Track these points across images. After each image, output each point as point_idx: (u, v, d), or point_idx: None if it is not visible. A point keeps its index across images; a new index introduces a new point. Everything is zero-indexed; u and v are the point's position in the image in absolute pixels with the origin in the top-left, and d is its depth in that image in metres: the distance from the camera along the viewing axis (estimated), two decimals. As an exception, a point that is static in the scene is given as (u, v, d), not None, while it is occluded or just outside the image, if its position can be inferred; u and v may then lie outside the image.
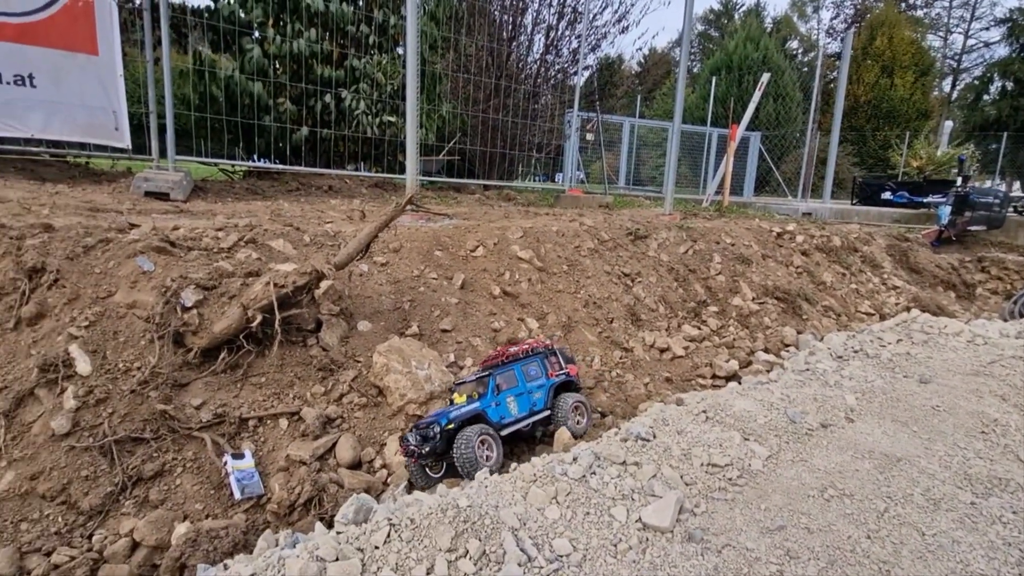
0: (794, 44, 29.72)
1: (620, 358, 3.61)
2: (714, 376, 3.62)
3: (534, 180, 13.01)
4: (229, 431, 2.40)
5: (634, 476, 1.79)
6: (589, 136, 11.12)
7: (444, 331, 3.21)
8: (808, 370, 3.18)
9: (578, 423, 2.71)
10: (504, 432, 2.51)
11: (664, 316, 4.25)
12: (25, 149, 5.43)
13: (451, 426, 2.33)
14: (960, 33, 30.45)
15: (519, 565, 1.35)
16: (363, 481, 2.32)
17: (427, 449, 2.27)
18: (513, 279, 3.88)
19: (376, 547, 1.35)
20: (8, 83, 5.08)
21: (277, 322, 2.51)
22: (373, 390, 2.74)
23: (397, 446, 2.45)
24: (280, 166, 7.07)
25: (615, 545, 1.49)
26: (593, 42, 10.70)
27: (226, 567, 1.62)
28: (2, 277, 2.55)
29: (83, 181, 5.76)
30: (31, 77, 5.16)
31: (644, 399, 3.17)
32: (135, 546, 2.01)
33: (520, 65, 9.92)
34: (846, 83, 10.46)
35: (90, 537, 2.00)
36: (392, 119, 8.34)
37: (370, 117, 7.99)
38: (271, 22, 7.35)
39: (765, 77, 10.53)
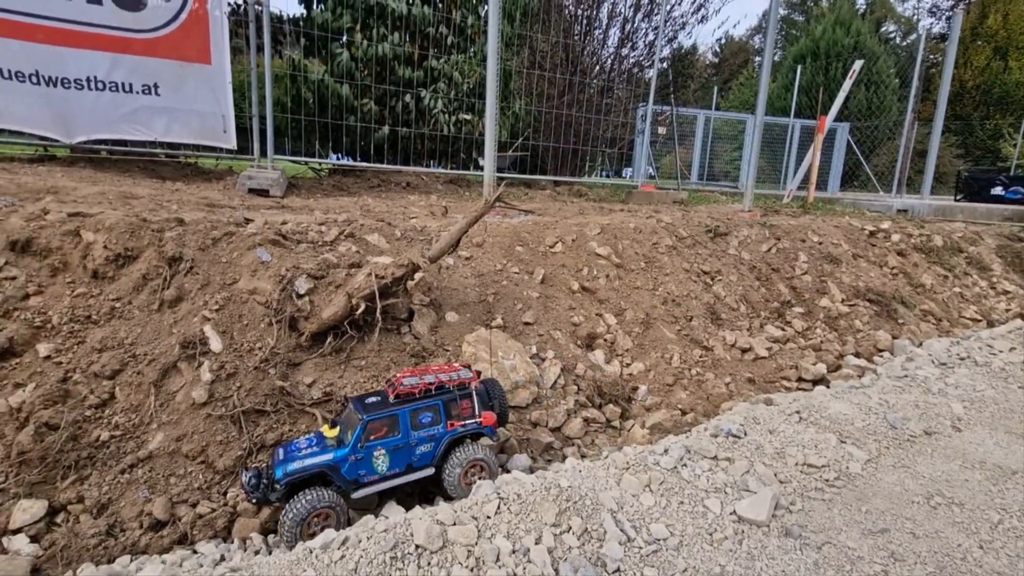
0: (891, 27, 27.41)
1: (700, 356, 3.58)
2: (800, 379, 3.51)
3: (601, 175, 12.89)
4: (336, 408, 2.64)
5: (726, 471, 1.81)
6: (661, 130, 10.89)
7: (526, 324, 3.32)
8: (907, 376, 3.02)
9: (468, 485, 2.09)
10: (360, 493, 2.05)
11: (745, 316, 4.15)
12: (147, 150, 6.08)
13: (285, 482, 1.94)
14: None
15: (620, 544, 1.43)
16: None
17: (256, 498, 1.96)
18: (591, 275, 3.94)
19: (488, 516, 1.48)
20: (138, 92, 5.69)
21: (378, 310, 2.72)
22: (462, 377, 2.90)
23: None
24: (364, 164, 7.47)
25: (710, 534, 1.53)
26: (670, 33, 10.43)
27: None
28: (148, 265, 2.92)
29: (195, 179, 6.36)
30: (156, 86, 5.76)
31: (726, 398, 3.14)
32: (261, 504, 2.26)
33: (594, 59, 9.86)
34: (952, 67, 9.55)
35: (225, 493, 2.28)
36: (468, 117, 8.58)
37: (447, 115, 8.26)
38: (358, 27, 7.76)
39: (858, 64, 9.84)
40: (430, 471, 2.16)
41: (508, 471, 2.47)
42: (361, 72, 7.66)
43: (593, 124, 9.34)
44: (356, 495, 2.04)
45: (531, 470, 2.45)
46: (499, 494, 1.54)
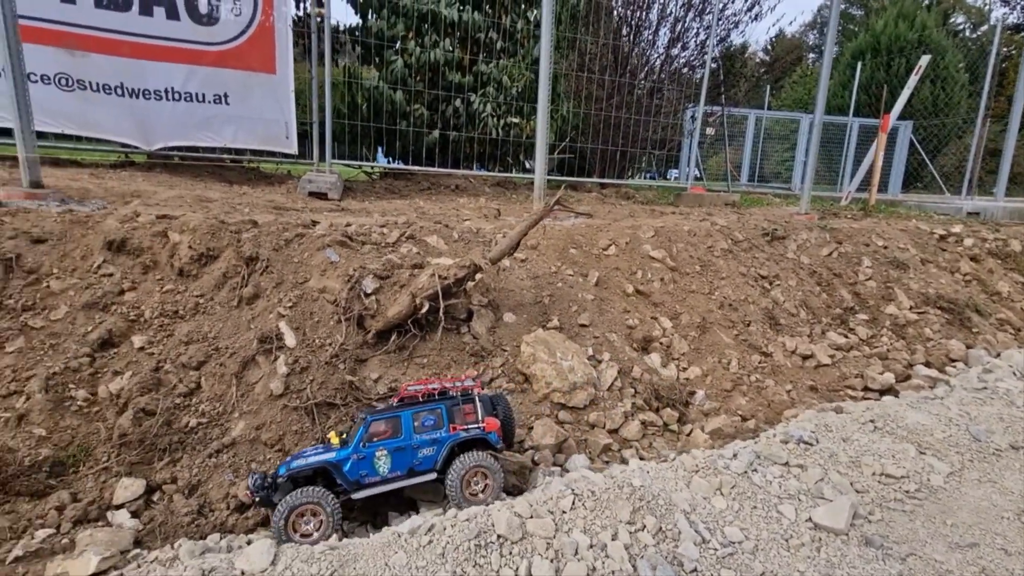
0: (959, 18, 25.82)
1: (759, 362, 3.51)
2: (866, 388, 3.38)
3: (644, 177, 12.72)
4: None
5: (798, 478, 1.79)
6: (710, 131, 10.67)
7: (582, 326, 3.35)
8: (986, 388, 2.87)
9: (472, 494, 2.07)
10: (361, 494, 2.06)
11: (806, 322, 4.03)
12: (214, 156, 6.44)
13: (287, 475, 1.99)
14: None
15: (695, 545, 1.44)
16: (516, 462, 2.53)
17: (259, 497, 1.99)
18: (645, 278, 3.92)
19: (564, 511, 1.52)
20: (209, 102, 6.04)
21: (441, 310, 2.81)
22: (520, 376, 2.96)
23: (543, 429, 2.62)
24: (416, 167, 7.67)
25: (786, 540, 1.52)
26: (722, 32, 10.21)
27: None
28: (227, 264, 3.11)
29: (259, 182, 6.69)
30: (226, 96, 6.10)
31: (788, 406, 3.07)
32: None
33: (643, 60, 9.76)
34: (1031, 61, 8.94)
35: (300, 481, 2.41)
36: (516, 120, 8.67)
37: (495, 119, 8.38)
38: (411, 35, 7.98)
39: (924, 59, 9.36)
40: (432, 476, 2.14)
41: (567, 471, 2.50)
42: (413, 78, 7.87)
43: (641, 126, 9.24)
44: (357, 495, 2.06)
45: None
46: (573, 490, 1.58)
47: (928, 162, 13.95)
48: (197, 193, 4.89)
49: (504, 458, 2.34)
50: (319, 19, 6.63)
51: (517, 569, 1.33)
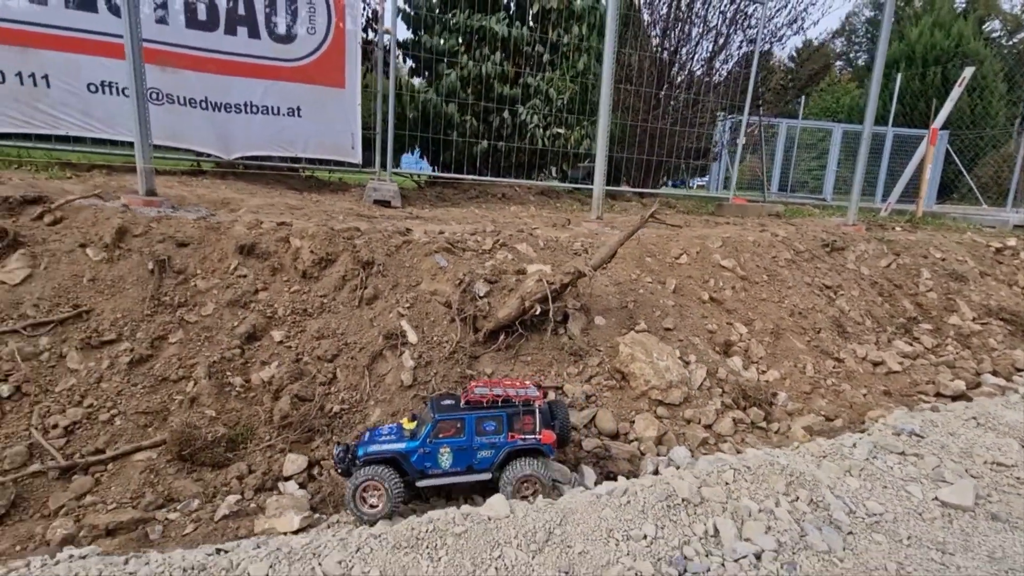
0: (994, 25, 25.51)
1: (833, 367, 3.70)
2: (938, 394, 3.54)
3: (670, 186, 12.88)
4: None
5: (915, 465, 1.99)
6: (741, 140, 10.84)
7: (667, 329, 3.57)
8: (1059, 395, 3.03)
9: (522, 498, 2.22)
10: (424, 483, 2.28)
11: (871, 330, 4.20)
12: (276, 164, 6.78)
13: (363, 459, 2.22)
14: None
15: (845, 514, 1.66)
16: (626, 451, 2.76)
17: (341, 468, 2.26)
18: (717, 286, 4.13)
19: (727, 483, 1.75)
20: (284, 114, 6.42)
21: (551, 312, 3.06)
22: (617, 375, 3.19)
23: (645, 423, 2.85)
24: (471, 177, 7.98)
25: (920, 514, 1.73)
26: (765, 46, 10.40)
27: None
28: (345, 268, 3.41)
29: (323, 191, 7.04)
30: (299, 109, 6.47)
31: (869, 408, 3.25)
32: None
33: (684, 72, 9.99)
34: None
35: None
36: (561, 131, 8.96)
37: (542, 130, 8.68)
38: (463, 49, 8.32)
39: (968, 71, 9.47)
40: (487, 476, 2.31)
41: (671, 460, 2.73)
42: (464, 91, 8.20)
43: (681, 136, 9.45)
44: (420, 484, 2.28)
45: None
46: (731, 465, 1.81)
47: (965, 173, 13.91)
48: (278, 200, 5.23)
49: (553, 466, 2.48)
50: (387, 36, 6.99)
51: (705, 525, 1.57)
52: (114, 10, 5.37)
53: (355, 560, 1.43)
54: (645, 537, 1.53)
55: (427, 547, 1.48)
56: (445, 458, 2.29)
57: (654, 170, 9.90)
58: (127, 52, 3.94)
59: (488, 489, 2.33)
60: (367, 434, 2.41)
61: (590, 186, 9.27)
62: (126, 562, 1.53)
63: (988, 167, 15.50)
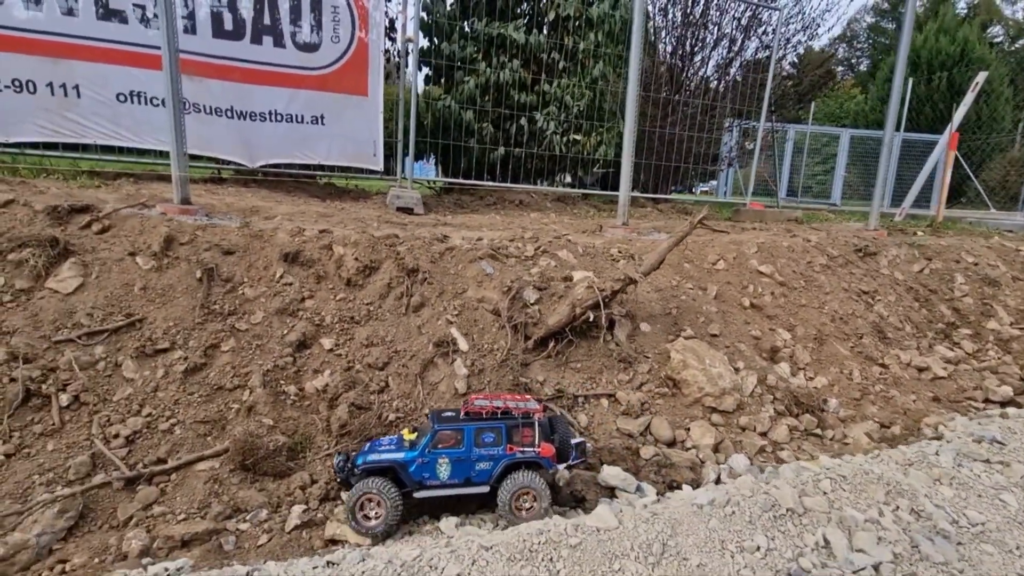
0: (996, 30, 25.67)
1: (879, 374, 3.66)
2: (987, 400, 3.51)
3: (677, 192, 12.89)
4: (567, 404, 2.96)
5: (1003, 473, 1.96)
6: (756, 146, 10.86)
7: (713, 336, 3.54)
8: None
9: (519, 510, 2.23)
10: (422, 494, 2.25)
11: (911, 336, 4.18)
12: (293, 172, 6.77)
13: (362, 469, 2.20)
14: None
15: (949, 524, 1.63)
16: (686, 458, 2.72)
17: (340, 477, 2.25)
18: (757, 292, 4.11)
19: (825, 493, 1.72)
20: (307, 122, 6.43)
21: (603, 319, 3.03)
22: (668, 382, 3.16)
23: (701, 430, 2.81)
24: (490, 183, 7.98)
25: (1020, 523, 1.70)
26: (780, 53, 10.44)
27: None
28: (389, 275, 3.39)
29: (344, 198, 7.02)
30: (322, 117, 6.48)
31: (924, 415, 3.22)
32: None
33: (698, 78, 10.02)
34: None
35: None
36: (577, 137, 8.98)
37: (558, 136, 8.70)
38: (481, 56, 8.36)
39: (981, 76, 9.49)
40: (485, 488, 2.29)
41: (732, 469, 2.69)
42: (481, 98, 8.22)
43: (695, 142, 9.46)
44: (418, 495, 2.25)
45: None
46: (826, 475, 1.78)
47: (973, 177, 13.95)
48: (306, 208, 5.21)
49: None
50: (407, 45, 7.01)
51: (815, 535, 1.54)
52: (144, 21, 5.40)
53: (473, 572, 1.39)
54: (759, 549, 1.50)
55: (543, 559, 1.45)
56: (443, 469, 2.27)
57: (669, 176, 9.91)
58: (164, 63, 3.93)
59: (487, 503, 2.31)
60: (368, 444, 2.39)
61: (606, 192, 9.30)
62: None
63: (995, 171, 15.54)
